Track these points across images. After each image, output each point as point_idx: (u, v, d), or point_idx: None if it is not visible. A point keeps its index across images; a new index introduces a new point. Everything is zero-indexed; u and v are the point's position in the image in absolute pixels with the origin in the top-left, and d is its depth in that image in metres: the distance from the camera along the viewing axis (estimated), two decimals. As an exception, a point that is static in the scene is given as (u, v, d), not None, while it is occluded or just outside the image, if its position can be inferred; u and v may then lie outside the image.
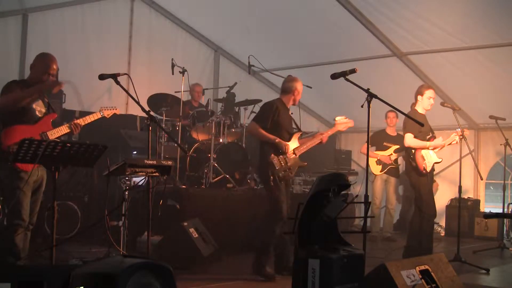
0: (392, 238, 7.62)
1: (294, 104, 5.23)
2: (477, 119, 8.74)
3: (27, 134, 4.09)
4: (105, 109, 4.79)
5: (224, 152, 6.91)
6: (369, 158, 7.82)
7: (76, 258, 5.00)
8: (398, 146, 7.66)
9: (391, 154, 7.71)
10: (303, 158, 5.11)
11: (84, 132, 4.80)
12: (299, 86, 5.12)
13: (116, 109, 4.88)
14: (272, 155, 4.83)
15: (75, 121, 4.51)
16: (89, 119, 4.63)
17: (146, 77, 8.08)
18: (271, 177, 4.78)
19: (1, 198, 5.58)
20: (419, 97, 5.64)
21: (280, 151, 4.85)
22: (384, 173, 7.74)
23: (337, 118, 5.21)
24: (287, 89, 5.12)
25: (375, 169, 7.77)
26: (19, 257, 4.20)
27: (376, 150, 7.83)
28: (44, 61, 4.39)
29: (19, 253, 4.20)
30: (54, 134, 4.41)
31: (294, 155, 4.98)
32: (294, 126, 5.25)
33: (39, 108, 4.42)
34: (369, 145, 7.78)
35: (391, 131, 7.87)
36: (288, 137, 5.03)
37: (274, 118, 4.95)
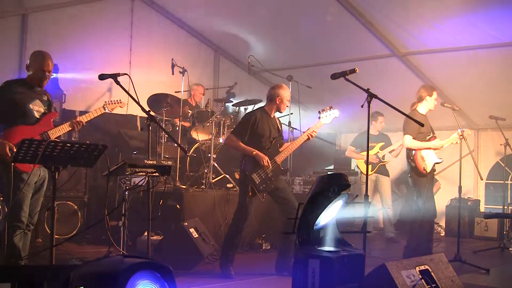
0: (395, 238, 7.61)
1: (280, 112, 5.16)
2: (477, 119, 8.74)
3: (27, 134, 4.08)
4: (109, 104, 4.74)
5: (224, 152, 6.91)
6: (357, 160, 7.95)
7: (76, 258, 5.00)
8: (382, 143, 7.69)
9: (378, 152, 7.73)
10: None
11: (85, 132, 4.80)
12: (283, 93, 5.03)
13: (120, 102, 4.83)
14: (252, 171, 4.86)
15: (77, 119, 4.50)
16: (91, 115, 4.59)
17: (146, 77, 8.08)
18: (250, 192, 4.85)
19: (0, 198, 5.59)
20: (427, 97, 5.62)
21: (259, 164, 4.86)
22: (374, 172, 7.75)
23: (321, 115, 5.16)
24: (269, 97, 5.09)
25: (364, 169, 7.78)
26: (20, 257, 4.20)
27: (362, 151, 7.85)
28: (39, 58, 4.37)
29: (19, 254, 4.20)
30: (55, 133, 4.40)
31: (275, 163, 4.97)
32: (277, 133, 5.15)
33: (37, 108, 4.40)
34: (355, 147, 7.91)
35: (373, 131, 7.83)
36: (269, 145, 5.02)
37: (253, 130, 4.95)
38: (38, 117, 4.39)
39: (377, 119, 7.77)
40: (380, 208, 7.91)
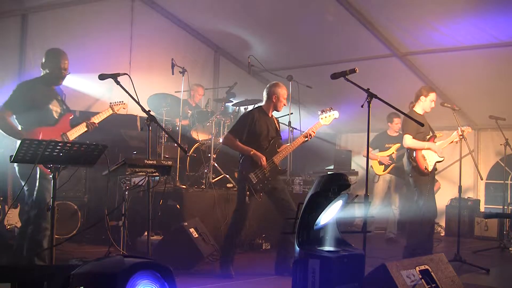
0: (395, 239, 7.61)
1: (277, 111, 5.14)
2: (477, 119, 8.74)
3: (49, 135, 4.09)
4: (114, 105, 4.85)
5: (224, 152, 6.91)
6: (371, 160, 7.95)
7: (76, 258, 5.00)
8: (399, 145, 7.70)
9: (393, 153, 7.76)
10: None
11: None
12: (279, 91, 5.02)
13: (124, 103, 4.91)
14: (249, 171, 4.86)
15: (91, 120, 4.58)
16: (102, 115, 4.71)
17: (146, 77, 8.07)
18: (247, 192, 4.84)
19: (1, 198, 5.59)
20: (422, 97, 5.65)
21: (257, 163, 4.86)
22: (388, 173, 7.78)
23: (321, 115, 5.18)
24: (266, 96, 5.08)
25: (378, 169, 7.84)
26: (45, 259, 4.16)
27: (379, 151, 7.88)
28: (55, 56, 4.38)
29: (45, 256, 4.17)
30: (73, 134, 4.45)
31: (273, 163, 4.97)
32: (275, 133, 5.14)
33: (55, 108, 4.42)
34: (372, 147, 7.93)
35: (392, 132, 7.91)
36: (267, 145, 5.01)
37: (251, 129, 4.94)
38: (56, 117, 4.40)
39: (393, 121, 7.82)
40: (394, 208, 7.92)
